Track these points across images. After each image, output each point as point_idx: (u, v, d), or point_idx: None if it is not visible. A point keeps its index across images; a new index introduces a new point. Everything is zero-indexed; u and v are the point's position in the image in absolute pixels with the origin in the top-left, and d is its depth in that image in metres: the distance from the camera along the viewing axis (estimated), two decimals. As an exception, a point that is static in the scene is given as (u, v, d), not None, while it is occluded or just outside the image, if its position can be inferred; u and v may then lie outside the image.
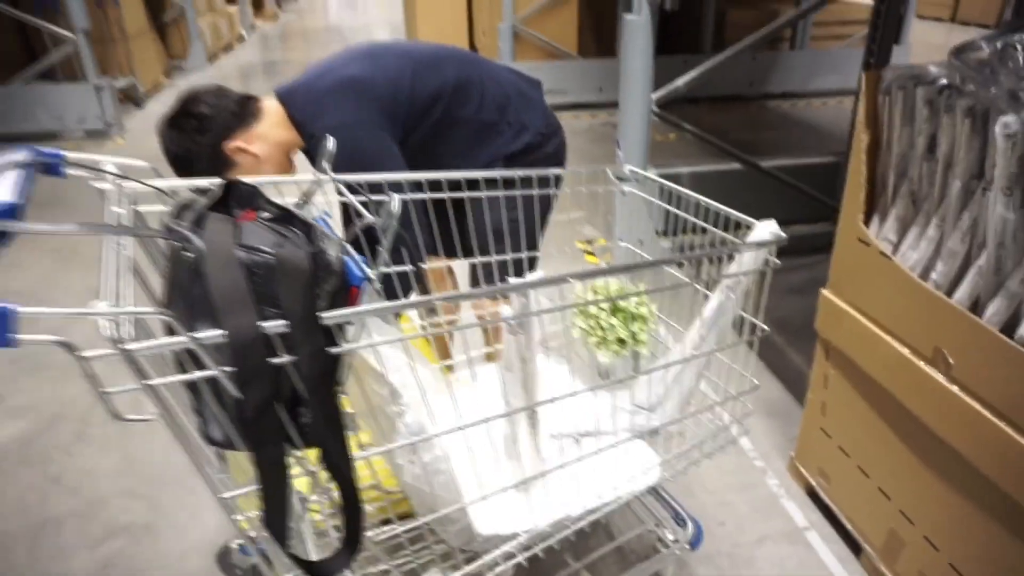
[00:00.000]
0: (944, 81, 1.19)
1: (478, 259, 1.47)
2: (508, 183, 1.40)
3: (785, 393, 2.13)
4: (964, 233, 1.18)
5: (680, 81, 2.55)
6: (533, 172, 1.36)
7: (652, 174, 2.43)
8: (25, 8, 4.76)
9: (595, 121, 5.01)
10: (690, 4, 5.65)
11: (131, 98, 5.49)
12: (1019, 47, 1.12)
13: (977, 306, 1.16)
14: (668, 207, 1.35)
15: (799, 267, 2.68)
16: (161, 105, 5.78)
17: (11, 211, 0.66)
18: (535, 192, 1.42)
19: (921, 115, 1.23)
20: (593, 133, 4.74)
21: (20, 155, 0.78)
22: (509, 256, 1.49)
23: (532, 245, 1.53)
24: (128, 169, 0.96)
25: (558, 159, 1.61)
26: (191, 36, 6.84)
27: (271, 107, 1.43)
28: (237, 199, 0.95)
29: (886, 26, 2.08)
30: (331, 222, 1.04)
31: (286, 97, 1.44)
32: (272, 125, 1.42)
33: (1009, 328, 1.10)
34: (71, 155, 0.93)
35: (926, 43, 7.14)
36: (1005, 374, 1.08)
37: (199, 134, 1.34)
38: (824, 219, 2.81)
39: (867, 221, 1.43)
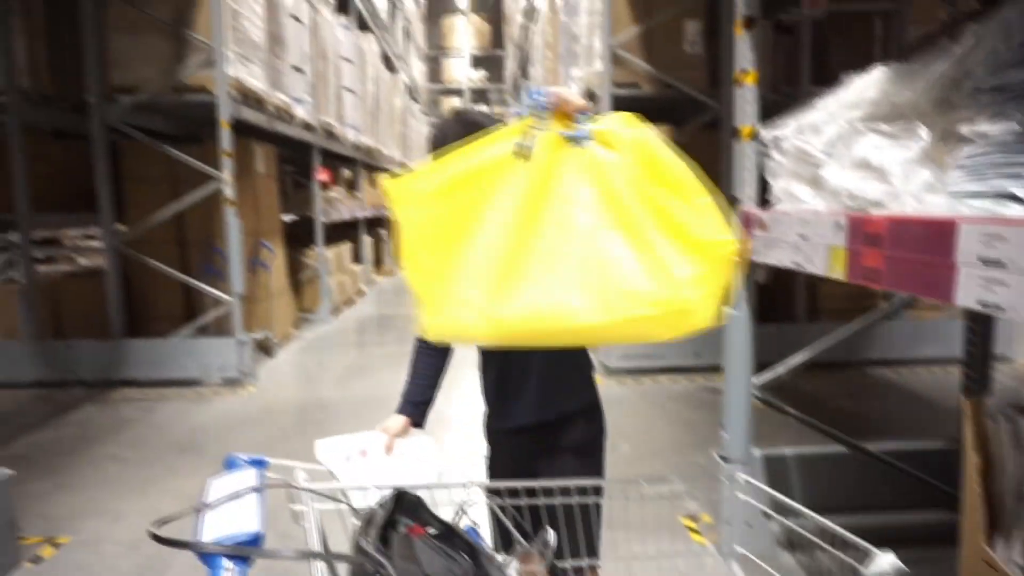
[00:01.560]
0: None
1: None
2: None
3: None
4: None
5: (782, 368, 2.69)
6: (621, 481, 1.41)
7: (757, 456, 2.47)
8: (194, 273, 5.61)
9: (692, 386, 5.13)
10: (783, 276, 5.97)
11: (264, 348, 6.12)
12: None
13: None
14: (778, 516, 1.40)
15: (917, 560, 2.54)
16: (289, 354, 6.39)
17: (256, 540, 0.84)
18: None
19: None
20: (691, 399, 4.84)
21: (254, 478, 0.98)
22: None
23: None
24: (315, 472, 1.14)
25: None
26: (322, 292, 7.72)
27: None
28: (405, 509, 1.11)
29: (983, 352, 2.20)
30: (481, 532, 1.17)
31: None
32: None
33: None
34: (273, 461, 1.14)
35: None
36: None
37: None
38: (939, 505, 2.70)
39: (990, 538, 1.43)
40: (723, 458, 2.61)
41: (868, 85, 1.86)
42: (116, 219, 5.53)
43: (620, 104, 5.22)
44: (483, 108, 20.01)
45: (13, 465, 2.72)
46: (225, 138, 4.96)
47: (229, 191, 5.02)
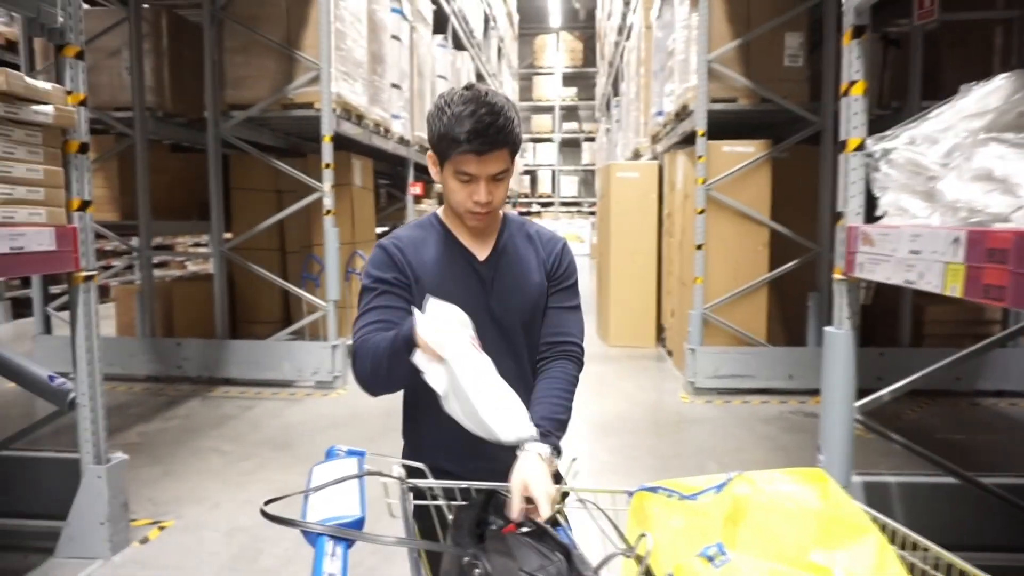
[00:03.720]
0: None
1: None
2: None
3: None
4: None
5: (885, 391, 2.55)
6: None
7: (857, 483, 2.35)
8: (292, 279, 5.88)
9: (785, 408, 4.93)
10: (885, 297, 5.68)
11: (356, 354, 6.30)
12: None
13: None
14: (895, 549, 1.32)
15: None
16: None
17: (360, 523, 0.87)
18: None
19: None
20: (784, 421, 4.65)
21: (354, 466, 1.01)
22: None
23: None
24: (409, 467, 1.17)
25: None
26: (411, 303, 7.90)
27: None
28: (496, 508, 1.12)
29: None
30: (571, 534, 1.17)
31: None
32: None
33: None
34: (370, 454, 1.18)
35: None
36: None
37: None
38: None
39: None
40: (820, 484, 2.49)
41: (990, 94, 1.75)
42: (225, 227, 5.87)
43: (716, 119, 5.12)
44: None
45: (127, 452, 2.92)
46: (326, 151, 5.18)
47: (328, 201, 5.24)
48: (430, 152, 1.39)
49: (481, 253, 1.46)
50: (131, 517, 3.00)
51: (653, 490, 1.18)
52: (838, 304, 2.40)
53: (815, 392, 5.32)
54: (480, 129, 1.27)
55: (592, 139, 22.50)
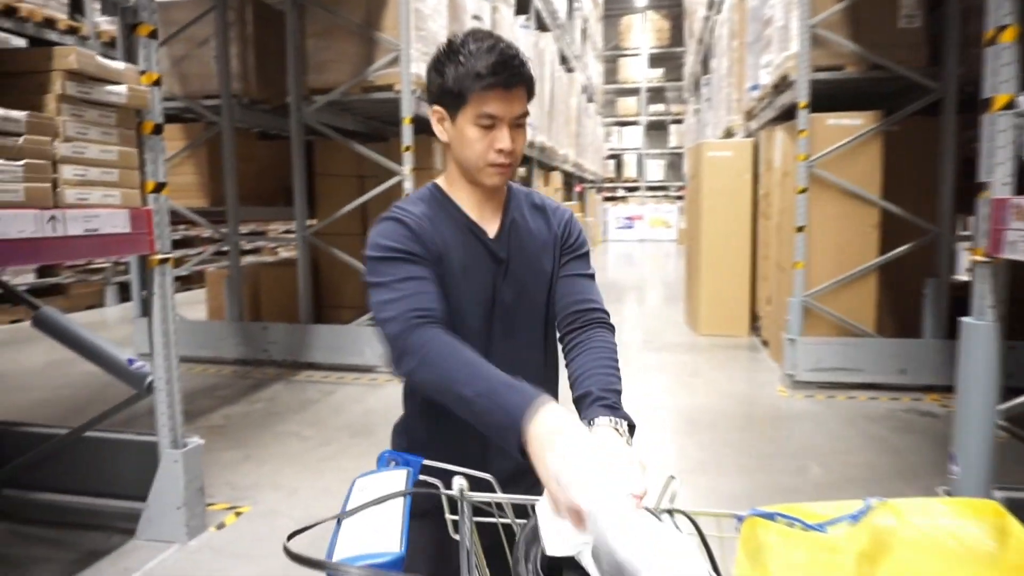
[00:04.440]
0: None
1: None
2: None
3: None
4: None
5: (1033, 392, 2.19)
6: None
7: (999, 497, 2.01)
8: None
9: (896, 405, 4.50)
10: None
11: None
12: None
13: None
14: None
15: None
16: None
17: (398, 563, 0.70)
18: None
19: None
20: (895, 420, 4.23)
21: (402, 480, 0.84)
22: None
23: None
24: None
25: None
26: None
27: None
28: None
29: None
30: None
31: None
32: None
33: None
34: (425, 462, 1.00)
35: None
36: None
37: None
38: None
39: None
40: (950, 494, 2.18)
41: None
42: (309, 213, 5.89)
43: (819, 90, 4.70)
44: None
45: (210, 435, 2.90)
46: (407, 133, 5.09)
47: (409, 184, 5.15)
48: (435, 107, 1.24)
49: (491, 229, 1.30)
50: (209, 501, 2.99)
51: (769, 516, 0.96)
52: (979, 291, 2.06)
53: (931, 389, 4.88)
54: (505, 60, 1.15)
55: (680, 121, 21.79)
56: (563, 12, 11.96)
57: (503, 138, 1.19)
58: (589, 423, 1.07)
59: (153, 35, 2.58)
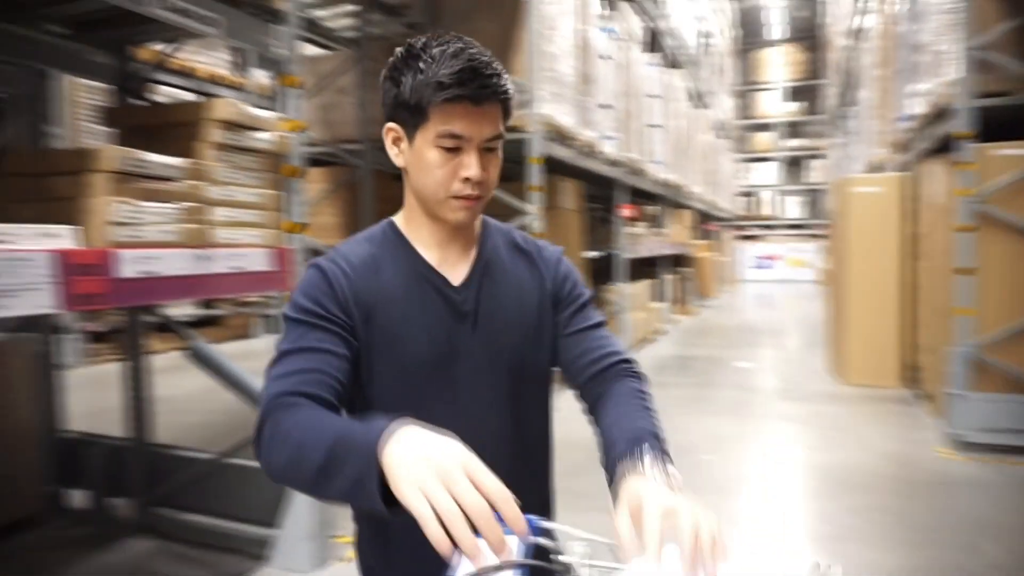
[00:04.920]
0: None
1: None
2: None
3: None
4: None
5: None
6: None
7: None
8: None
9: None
10: None
11: (561, 381, 6.16)
12: None
13: None
14: None
15: None
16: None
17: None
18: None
19: None
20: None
21: (514, 547, 0.76)
22: None
23: None
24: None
25: None
26: (620, 329, 7.63)
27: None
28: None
29: None
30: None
31: None
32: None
33: None
34: (540, 523, 0.92)
35: None
36: None
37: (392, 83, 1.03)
38: None
39: None
40: None
41: None
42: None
43: (986, 117, 4.26)
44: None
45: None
46: (535, 173, 5.13)
47: (537, 224, 5.16)
48: (389, 125, 1.04)
49: (455, 275, 1.09)
50: (335, 533, 3.05)
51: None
52: None
53: None
54: (475, 68, 0.95)
55: (819, 156, 20.73)
56: (694, 48, 11.79)
57: (470, 164, 0.99)
58: (622, 481, 0.87)
59: (298, 85, 2.75)
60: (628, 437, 0.94)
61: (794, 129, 22.06)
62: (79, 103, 6.11)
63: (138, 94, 3.19)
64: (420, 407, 0.93)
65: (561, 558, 0.82)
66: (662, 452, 0.92)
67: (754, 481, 3.95)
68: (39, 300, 1.65)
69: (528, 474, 1.13)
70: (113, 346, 7.29)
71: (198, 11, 2.24)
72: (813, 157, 21.39)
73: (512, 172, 6.59)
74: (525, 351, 1.10)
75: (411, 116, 0.99)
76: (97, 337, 7.26)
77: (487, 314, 1.08)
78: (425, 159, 1.00)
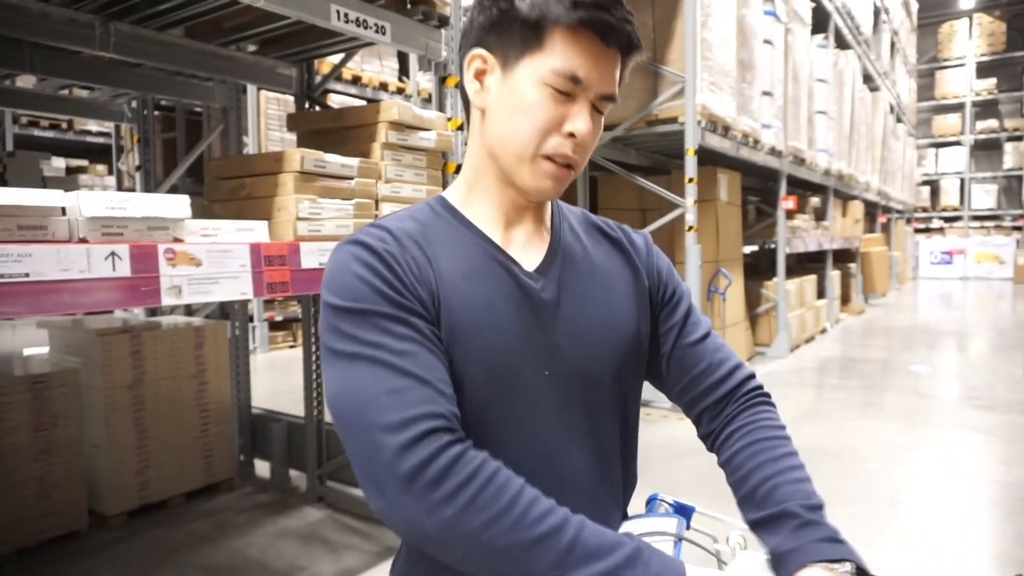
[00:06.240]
0: None
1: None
2: None
3: None
4: None
5: None
6: None
7: None
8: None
9: None
10: None
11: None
12: None
13: None
14: None
15: None
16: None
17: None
18: None
19: None
20: None
21: (674, 528, 0.78)
22: None
23: None
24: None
25: None
26: (779, 327, 7.26)
27: None
28: None
29: None
30: None
31: None
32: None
33: None
34: (701, 511, 0.92)
35: None
36: None
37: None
38: None
39: None
40: None
41: None
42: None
43: None
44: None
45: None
46: (690, 165, 5.00)
47: (690, 217, 5.04)
48: (476, 51, 0.82)
49: (528, 258, 0.85)
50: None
51: None
52: None
53: None
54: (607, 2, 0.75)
55: (1016, 138, 18.46)
56: (867, 26, 10.89)
57: (581, 116, 0.78)
58: (797, 564, 0.74)
59: (459, 86, 2.87)
60: (792, 507, 0.79)
61: (986, 109, 19.77)
62: (266, 113, 6.75)
63: (317, 101, 3.48)
64: (480, 428, 0.77)
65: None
66: (839, 539, 0.77)
67: (928, 494, 3.62)
68: (239, 287, 1.86)
69: (620, 503, 0.93)
70: (288, 333, 8.00)
71: (372, 20, 2.40)
72: (1012, 139, 19.08)
73: (663, 164, 6.50)
74: (616, 358, 0.87)
75: (520, 38, 0.78)
76: (276, 325, 7.99)
77: (571, 305, 0.85)
78: (525, 98, 0.78)
